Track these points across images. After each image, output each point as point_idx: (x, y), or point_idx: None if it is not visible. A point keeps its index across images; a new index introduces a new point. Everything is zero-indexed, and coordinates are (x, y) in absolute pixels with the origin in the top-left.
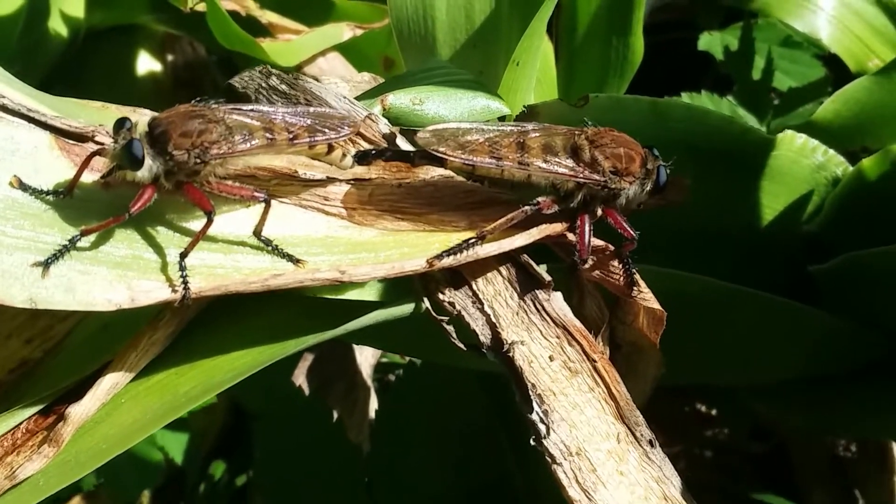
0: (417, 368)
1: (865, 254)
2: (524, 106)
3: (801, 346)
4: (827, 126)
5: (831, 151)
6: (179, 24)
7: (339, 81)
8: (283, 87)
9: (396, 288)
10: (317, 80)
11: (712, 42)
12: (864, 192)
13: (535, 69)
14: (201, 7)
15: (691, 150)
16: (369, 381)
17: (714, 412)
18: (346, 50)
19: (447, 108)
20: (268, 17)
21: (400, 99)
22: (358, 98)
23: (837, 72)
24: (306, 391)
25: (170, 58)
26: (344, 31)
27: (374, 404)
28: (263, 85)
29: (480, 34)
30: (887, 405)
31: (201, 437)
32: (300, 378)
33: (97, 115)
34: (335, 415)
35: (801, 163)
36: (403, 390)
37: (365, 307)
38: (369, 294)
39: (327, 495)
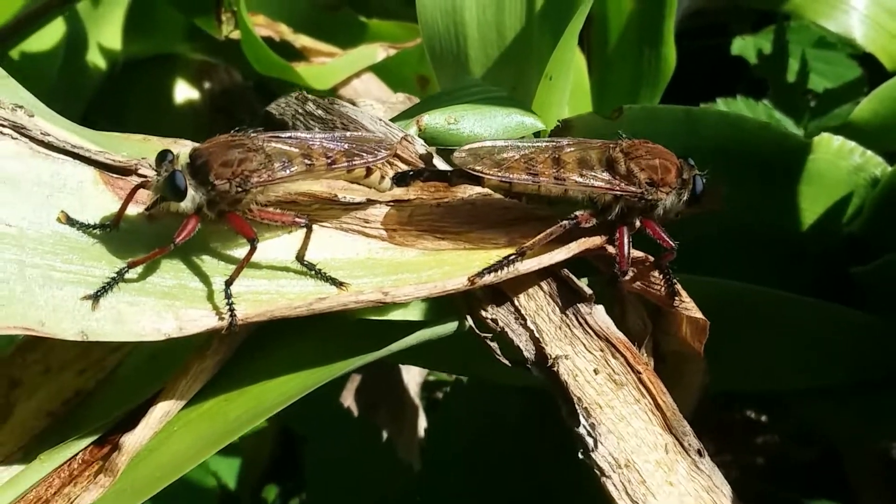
0: (464, 386)
1: None
2: (558, 120)
3: (845, 349)
4: (865, 126)
5: (869, 152)
6: (215, 52)
7: (374, 103)
8: (320, 111)
9: (440, 307)
10: (353, 103)
11: (745, 46)
12: None
13: (569, 83)
14: (235, 35)
15: (727, 157)
16: (417, 400)
17: (764, 418)
18: (381, 70)
19: (482, 125)
20: (301, 41)
21: (435, 119)
22: (393, 119)
23: (873, 71)
24: (355, 412)
25: (207, 85)
26: (377, 52)
27: (422, 423)
28: (300, 111)
29: (512, 50)
30: None
31: (253, 462)
32: (348, 399)
33: (140, 148)
34: (384, 434)
35: (838, 165)
36: (451, 409)
37: (409, 327)
38: (413, 314)
39: None
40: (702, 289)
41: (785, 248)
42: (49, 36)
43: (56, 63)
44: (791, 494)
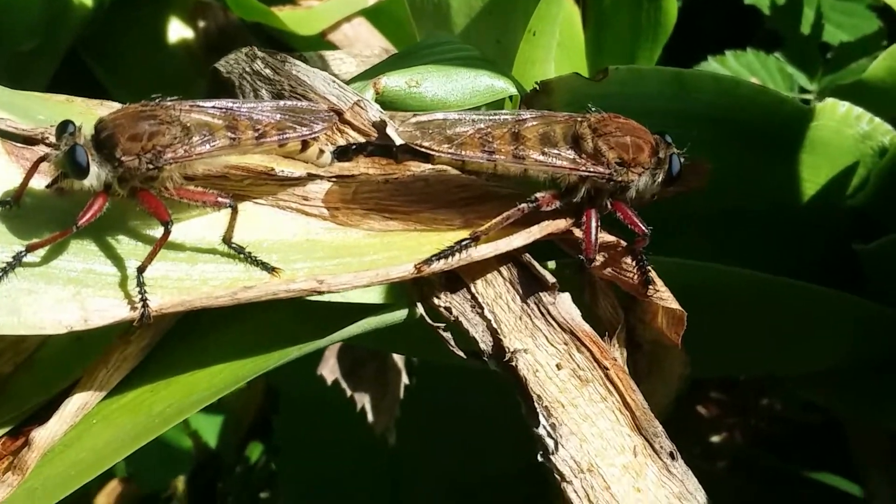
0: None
1: None
2: (536, 82)
3: (844, 335)
4: (879, 85)
5: (877, 119)
6: None
7: (348, 58)
8: (268, 71)
9: (401, 288)
10: (323, 56)
11: None
12: None
13: (555, 38)
14: None
15: (721, 123)
16: (400, 363)
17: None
18: (374, 14)
19: (447, 89)
20: None
21: (395, 81)
22: (353, 80)
23: (891, 26)
24: (338, 374)
25: (201, 24)
26: None
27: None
28: (248, 69)
29: (497, 0)
30: None
31: (239, 419)
32: (331, 360)
33: (61, 110)
34: (361, 404)
35: (843, 133)
36: (426, 384)
37: (364, 310)
38: (372, 296)
39: (350, 486)
40: (685, 273)
41: (783, 222)
42: None
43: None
44: (794, 467)
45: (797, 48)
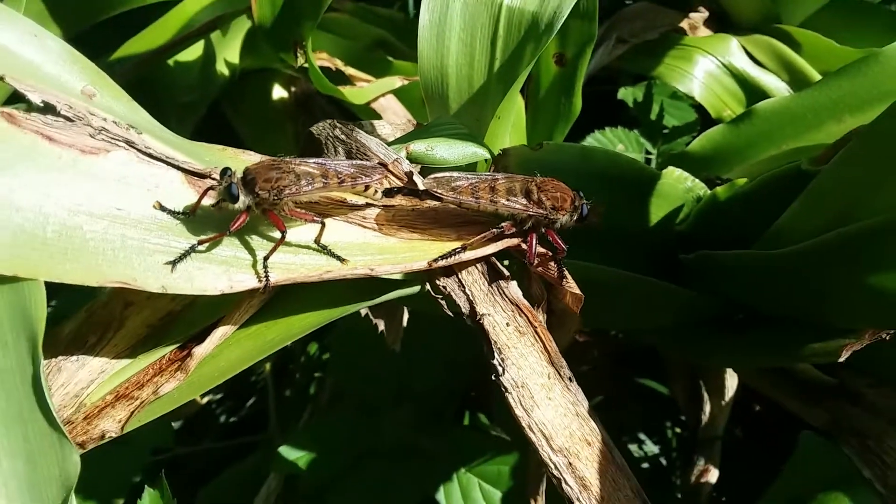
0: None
1: (714, 253)
2: (500, 149)
3: (670, 307)
4: (695, 155)
5: (697, 180)
6: (298, 69)
7: (386, 125)
8: (342, 136)
9: (416, 273)
10: (373, 123)
11: (627, 94)
12: (716, 207)
13: (510, 121)
14: (307, 64)
15: (607, 179)
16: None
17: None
18: (400, 92)
19: (449, 153)
20: (349, 70)
21: (418, 146)
22: (391, 143)
23: (704, 117)
24: (366, 308)
25: (293, 89)
26: (397, 81)
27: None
28: (330, 134)
29: (477, 95)
30: (718, 347)
31: None
32: None
33: (218, 155)
34: (379, 326)
35: (677, 187)
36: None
37: (393, 284)
38: (398, 276)
39: (370, 378)
40: (582, 271)
41: (639, 239)
42: (193, 52)
43: (196, 69)
44: (629, 372)
45: (647, 127)
